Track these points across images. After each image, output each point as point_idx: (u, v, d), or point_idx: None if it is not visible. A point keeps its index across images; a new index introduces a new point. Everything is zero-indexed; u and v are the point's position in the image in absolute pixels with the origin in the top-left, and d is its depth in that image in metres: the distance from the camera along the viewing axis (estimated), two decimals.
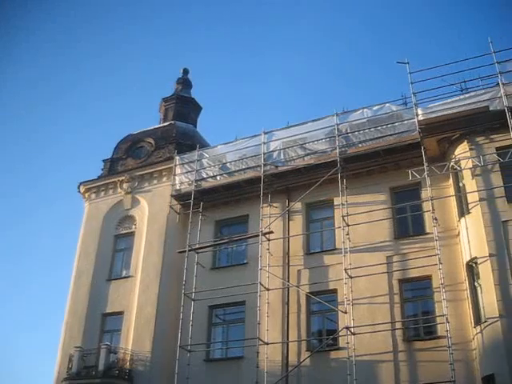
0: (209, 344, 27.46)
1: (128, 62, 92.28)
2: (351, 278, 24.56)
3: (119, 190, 33.02)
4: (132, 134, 36.24)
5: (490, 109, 24.76)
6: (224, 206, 29.83)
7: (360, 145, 27.65)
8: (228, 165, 30.42)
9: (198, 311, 26.92)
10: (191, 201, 29.40)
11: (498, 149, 24.52)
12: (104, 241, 31.93)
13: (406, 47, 76.75)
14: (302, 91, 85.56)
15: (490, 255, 22.56)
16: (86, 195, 34.21)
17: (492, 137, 24.89)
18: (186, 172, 31.17)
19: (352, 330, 23.47)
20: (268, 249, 26.87)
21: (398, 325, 23.88)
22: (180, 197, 30.60)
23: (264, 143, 29.27)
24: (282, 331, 25.50)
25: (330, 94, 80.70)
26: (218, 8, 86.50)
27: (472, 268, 23.42)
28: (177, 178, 31.30)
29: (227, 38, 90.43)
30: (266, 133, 29.62)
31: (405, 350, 23.36)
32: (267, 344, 24.80)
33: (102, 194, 33.76)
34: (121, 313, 29.27)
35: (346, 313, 23.99)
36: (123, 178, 32.90)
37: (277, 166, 28.74)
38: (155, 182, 32.31)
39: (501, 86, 24.83)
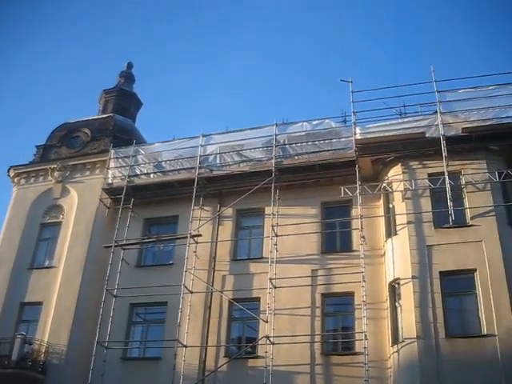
0: (127, 342, 27.15)
1: (74, 50, 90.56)
2: (275, 287, 24.70)
3: (50, 177, 32.40)
4: (69, 123, 35.57)
5: (426, 135, 25.47)
6: (155, 204, 29.57)
7: (296, 157, 27.96)
8: (163, 164, 30.28)
9: (119, 308, 26.61)
10: (122, 196, 29.15)
11: (429, 175, 25.19)
12: (29, 228, 31.18)
13: (352, 65, 77.78)
14: (244, 99, 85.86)
15: (413, 277, 23.13)
16: (16, 180, 33.39)
17: (425, 163, 25.54)
18: (120, 167, 30.85)
19: (271, 339, 23.56)
20: (195, 252, 26.80)
21: (318, 338, 24.16)
22: (111, 191, 30.26)
23: (201, 146, 29.27)
24: (202, 335, 25.43)
25: (271, 104, 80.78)
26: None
27: (394, 288, 23.93)
28: (110, 171, 30.94)
29: (178, 40, 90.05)
30: (204, 136, 29.63)
31: (322, 363, 23.62)
32: (186, 347, 24.66)
33: (32, 180, 33.03)
34: (40, 303, 28.58)
35: (267, 322, 24.07)
36: (55, 165, 32.33)
37: (212, 170, 28.79)
38: (88, 173, 31.85)
39: (439, 114, 25.57)
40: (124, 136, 33.68)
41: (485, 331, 21.65)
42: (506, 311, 21.72)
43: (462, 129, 25.16)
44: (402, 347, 22.26)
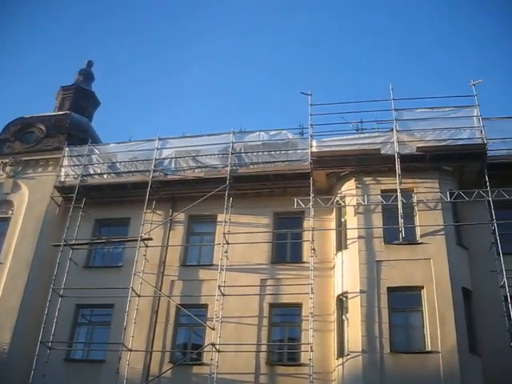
0: (71, 343, 26.74)
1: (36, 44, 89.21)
2: (223, 295, 24.61)
3: (1, 172, 31.75)
4: (24, 118, 34.81)
5: (382, 152, 25.78)
6: (107, 205, 29.19)
7: (251, 166, 28.11)
8: (117, 165, 29.98)
9: (65, 308, 26.13)
10: (74, 195, 28.69)
11: (382, 191, 25.52)
12: None
13: (314, 78, 78.18)
14: (202, 105, 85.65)
15: (361, 291, 23.33)
16: None
17: (379, 179, 25.87)
18: (74, 165, 30.42)
19: (217, 347, 23.50)
20: (145, 255, 26.57)
21: (264, 347, 24.16)
22: (63, 189, 29.79)
23: (157, 149, 29.06)
24: (148, 340, 25.15)
25: (230, 112, 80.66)
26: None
27: (342, 301, 24.11)
28: (63, 169, 30.49)
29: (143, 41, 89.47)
30: (160, 139, 29.42)
31: (267, 373, 23.62)
32: (130, 350, 24.41)
33: None
34: None
35: (213, 329, 23.97)
36: (7, 160, 31.73)
37: (166, 174, 28.60)
38: (40, 169, 31.35)
39: (395, 132, 25.97)
40: (79, 134, 33.18)
41: (429, 348, 21.93)
42: (451, 329, 22.06)
43: (417, 148, 25.54)
44: (346, 360, 22.43)
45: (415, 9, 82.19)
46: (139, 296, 25.60)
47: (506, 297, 22.54)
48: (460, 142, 25.73)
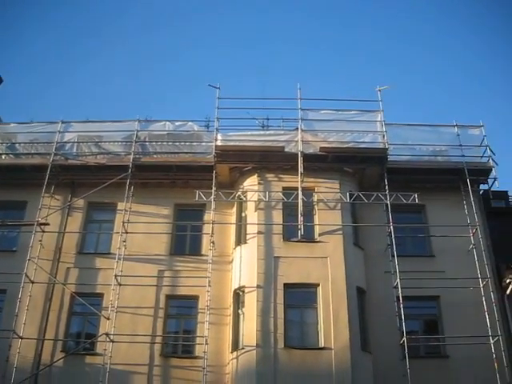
0: None
1: None
2: (120, 284, 24.28)
3: None
4: None
5: (285, 150, 26.10)
6: (3, 187, 27.74)
7: (155, 155, 27.79)
8: (17, 146, 28.95)
9: None
10: None
11: (284, 188, 25.87)
12: None
13: (224, 72, 78.05)
14: (109, 90, 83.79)
15: (258, 286, 23.59)
16: None
17: (281, 176, 26.22)
18: None
19: (111, 337, 23.20)
20: (41, 241, 25.69)
21: (158, 339, 24.02)
22: None
23: (59, 132, 28.07)
24: (40, 328, 24.39)
25: (136, 98, 79.15)
26: None
27: (239, 296, 24.29)
28: None
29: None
30: (63, 122, 28.50)
31: (161, 364, 23.49)
32: (21, 338, 23.56)
33: None
34: None
35: (108, 319, 23.62)
36: None
37: (67, 158, 27.79)
38: None
39: (299, 131, 26.37)
40: None
41: (322, 344, 22.48)
42: (344, 327, 22.71)
43: (320, 148, 26.06)
44: (241, 354, 22.64)
45: (328, 7, 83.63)
46: (33, 282, 24.75)
47: (398, 297, 23.50)
48: (362, 145, 26.55)
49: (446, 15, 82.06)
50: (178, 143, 27.74)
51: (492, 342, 23.15)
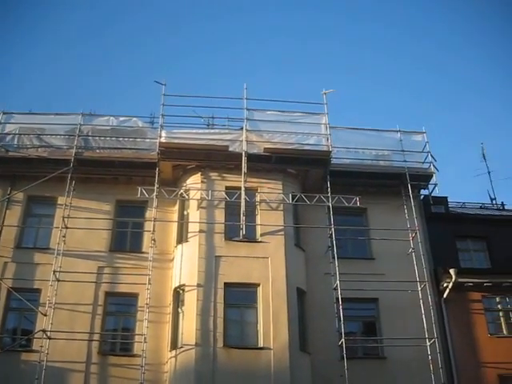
0: None
1: None
2: (58, 280, 23.85)
3: None
4: None
5: (230, 149, 26.06)
6: None
7: (98, 150, 27.33)
8: None
9: None
10: None
11: (227, 188, 25.89)
12: None
13: (171, 70, 77.38)
14: (50, 80, 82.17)
15: (198, 285, 23.55)
16: None
17: (225, 175, 26.22)
18: None
19: (48, 333, 22.78)
20: None
21: (96, 336, 23.71)
22: None
23: (0, 123, 27.62)
24: None
25: (81, 93, 77.89)
26: None
27: (179, 294, 24.22)
28: None
29: None
30: (4, 113, 27.82)
31: (98, 362, 23.21)
32: None
33: None
34: None
35: (45, 315, 23.20)
36: None
37: (7, 150, 27.16)
38: None
39: (244, 131, 26.42)
40: None
41: (261, 344, 22.59)
42: (283, 327, 22.88)
43: (264, 148, 26.14)
44: (180, 353, 22.59)
45: (271, 9, 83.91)
46: None
47: (337, 299, 23.76)
48: (306, 147, 26.74)
49: (392, 17, 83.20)
50: (121, 139, 27.34)
51: (428, 344, 23.79)
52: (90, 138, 27.44)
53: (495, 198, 36.44)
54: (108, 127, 27.74)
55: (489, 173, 37.26)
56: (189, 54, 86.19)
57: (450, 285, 25.62)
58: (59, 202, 26.33)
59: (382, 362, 24.53)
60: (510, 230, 29.53)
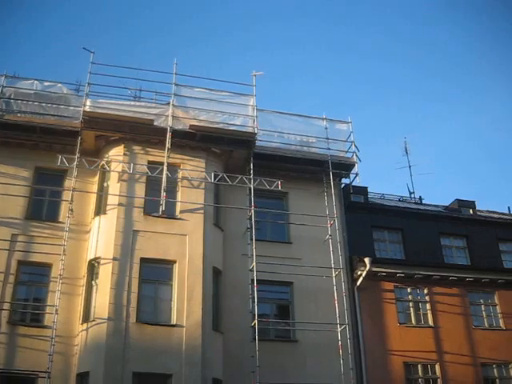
0: None
1: None
2: None
3: None
4: None
5: (155, 123, 25.69)
6: None
7: (19, 114, 26.39)
8: None
9: None
10: None
11: (149, 162, 25.63)
12: None
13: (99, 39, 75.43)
14: None
15: (114, 259, 23.30)
16: None
17: (148, 150, 25.92)
18: None
19: None
20: None
21: (7, 306, 23.03)
22: None
23: None
24: None
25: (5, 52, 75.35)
26: None
27: (93, 267, 23.91)
28: None
29: None
30: None
31: (8, 332, 22.59)
32: None
33: None
34: None
35: None
36: None
37: None
38: None
39: (171, 106, 26.13)
40: None
41: (174, 321, 22.59)
42: (197, 305, 22.96)
43: (190, 125, 25.92)
44: (91, 326, 22.33)
45: None
46: None
47: (253, 280, 23.99)
48: (232, 128, 26.62)
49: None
50: (44, 104, 26.48)
51: (339, 329, 24.34)
52: (11, 100, 26.49)
53: (414, 192, 37.42)
54: (32, 91, 26.80)
55: (410, 167, 38.20)
56: (122, 24, 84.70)
57: (364, 273, 26.25)
58: None
59: (294, 345, 24.96)
60: (426, 223, 30.50)
